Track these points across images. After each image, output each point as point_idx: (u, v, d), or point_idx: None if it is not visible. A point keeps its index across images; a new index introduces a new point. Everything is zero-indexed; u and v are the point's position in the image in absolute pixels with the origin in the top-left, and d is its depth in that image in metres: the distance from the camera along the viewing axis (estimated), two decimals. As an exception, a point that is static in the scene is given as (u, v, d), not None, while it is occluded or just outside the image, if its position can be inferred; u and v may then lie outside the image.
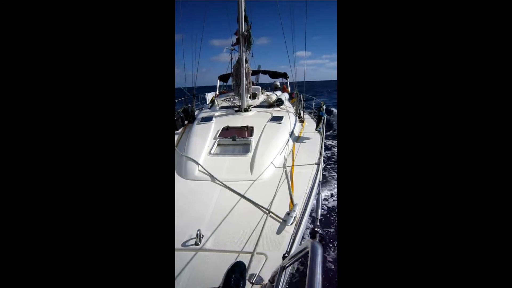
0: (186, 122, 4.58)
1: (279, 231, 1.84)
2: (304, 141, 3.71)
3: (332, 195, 4.86)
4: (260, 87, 6.57)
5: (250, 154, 2.95)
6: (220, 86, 7.99)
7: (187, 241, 1.75)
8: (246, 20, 4.23)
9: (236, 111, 4.41)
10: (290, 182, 2.47)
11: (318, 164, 2.82)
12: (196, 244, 1.70)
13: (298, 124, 4.51)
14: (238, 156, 2.97)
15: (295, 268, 2.52)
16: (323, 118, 4.05)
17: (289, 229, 1.85)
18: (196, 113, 4.90)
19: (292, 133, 3.74)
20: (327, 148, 7.70)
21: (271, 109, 4.73)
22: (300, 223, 1.89)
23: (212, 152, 3.08)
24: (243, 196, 2.26)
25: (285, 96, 5.84)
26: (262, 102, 5.37)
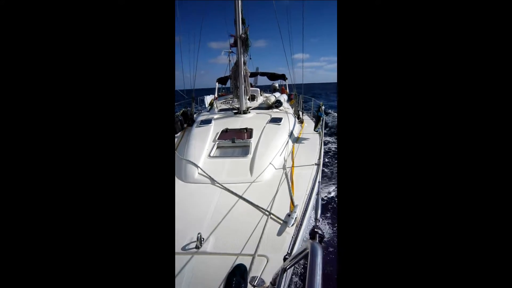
0: (185, 125, 4.58)
1: (280, 233, 1.83)
2: (303, 141, 3.71)
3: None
4: (258, 89, 6.58)
5: (250, 156, 2.95)
6: (218, 89, 8.01)
7: (188, 244, 1.74)
8: (243, 23, 4.24)
9: (235, 113, 4.41)
10: (290, 183, 2.47)
11: (318, 164, 2.81)
12: (196, 247, 1.70)
13: (297, 125, 4.51)
14: (237, 158, 2.97)
15: (299, 271, 2.51)
16: (322, 118, 4.05)
17: (290, 230, 1.84)
18: (195, 116, 4.91)
19: (291, 134, 3.74)
20: (328, 147, 7.78)
21: (270, 110, 4.73)
22: (301, 224, 1.89)
23: (211, 154, 3.08)
24: (243, 198, 2.26)
25: (284, 98, 5.85)
26: (261, 103, 5.38)
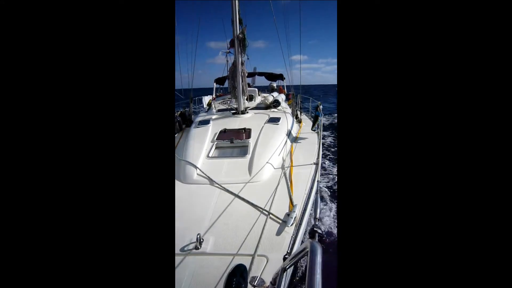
0: (183, 126, 4.58)
1: (279, 232, 1.83)
2: (302, 141, 3.71)
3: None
4: (256, 89, 6.58)
5: (248, 156, 2.95)
6: (216, 89, 8.00)
7: (187, 245, 1.74)
8: (240, 23, 4.24)
9: (233, 113, 4.41)
10: (289, 183, 2.47)
11: (316, 164, 2.82)
12: (196, 248, 1.69)
13: (296, 125, 4.51)
14: (236, 159, 2.97)
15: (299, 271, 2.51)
16: (319, 118, 4.06)
17: (289, 230, 1.85)
18: (193, 116, 4.90)
19: (289, 133, 3.74)
20: (329, 146, 7.93)
21: (268, 110, 4.74)
22: (300, 224, 1.89)
23: (210, 155, 3.07)
24: (242, 199, 2.26)
25: (282, 97, 5.85)
26: (259, 104, 5.38)
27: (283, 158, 3.06)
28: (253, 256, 1.62)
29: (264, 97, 5.71)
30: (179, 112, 4.85)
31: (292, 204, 2.11)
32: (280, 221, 1.94)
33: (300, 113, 5.53)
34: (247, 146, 3.16)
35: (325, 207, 4.13)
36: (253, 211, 2.09)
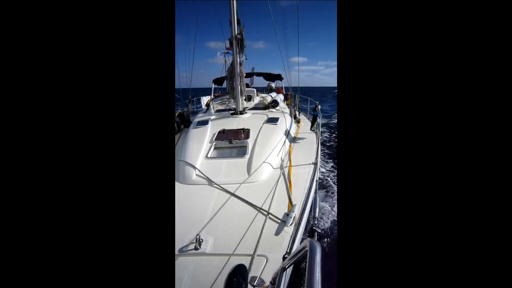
0: (182, 126, 4.57)
1: (278, 232, 1.84)
2: (300, 141, 3.72)
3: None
4: (254, 90, 6.58)
5: (247, 156, 2.95)
6: (215, 89, 7.99)
7: (187, 246, 1.74)
8: (238, 23, 4.24)
9: (232, 114, 4.41)
10: (288, 183, 2.47)
11: (315, 163, 2.82)
12: (195, 249, 1.69)
13: (294, 125, 4.52)
14: (235, 159, 2.97)
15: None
16: (318, 118, 4.07)
17: (289, 229, 1.85)
18: (191, 117, 4.90)
19: (288, 133, 3.74)
20: (324, 141, 8.09)
21: (267, 110, 4.74)
22: (299, 223, 1.89)
23: (209, 155, 3.07)
24: (241, 199, 2.26)
25: (280, 98, 5.86)
26: (258, 104, 5.38)
27: (281, 158, 3.06)
28: (252, 256, 1.62)
29: (263, 97, 5.72)
30: (177, 113, 4.85)
31: (291, 204, 2.11)
32: (279, 221, 1.94)
33: (299, 113, 5.54)
34: (246, 146, 3.16)
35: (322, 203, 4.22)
36: (252, 211, 2.09)
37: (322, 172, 5.74)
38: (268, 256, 1.62)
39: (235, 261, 1.54)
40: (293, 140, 3.78)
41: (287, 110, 5.07)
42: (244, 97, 4.59)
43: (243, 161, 2.89)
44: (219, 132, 3.52)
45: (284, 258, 1.41)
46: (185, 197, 2.41)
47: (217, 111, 4.93)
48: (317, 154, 3.08)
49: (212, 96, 7.05)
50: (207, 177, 2.66)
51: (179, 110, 5.24)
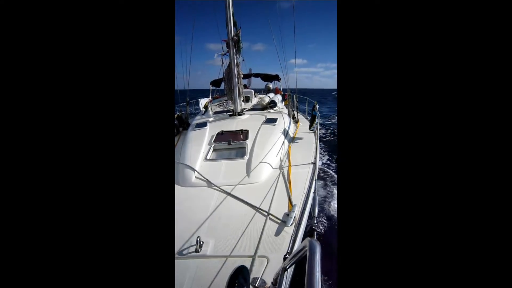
0: (180, 129, 4.57)
1: (279, 233, 1.83)
2: (299, 141, 3.72)
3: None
4: (252, 90, 6.59)
5: (246, 157, 2.95)
6: (213, 91, 7.99)
7: (187, 248, 1.73)
8: (235, 24, 4.25)
9: (230, 115, 4.41)
10: (287, 183, 2.47)
11: (314, 163, 2.82)
12: (196, 251, 1.69)
13: (293, 125, 4.53)
14: (234, 160, 2.97)
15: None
16: (316, 117, 4.08)
17: (289, 229, 1.85)
18: (189, 119, 4.90)
19: (287, 134, 3.75)
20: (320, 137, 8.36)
21: (265, 111, 4.74)
22: (299, 223, 1.89)
23: (208, 157, 3.07)
24: (241, 200, 2.25)
25: (278, 98, 5.87)
26: (256, 105, 5.39)
27: (281, 158, 3.06)
28: (253, 257, 1.61)
29: (261, 98, 5.72)
30: (176, 115, 4.84)
31: (291, 204, 2.11)
32: (280, 221, 1.94)
33: (297, 113, 5.55)
34: (245, 147, 3.16)
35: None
36: (252, 212, 2.09)
37: (318, 165, 5.96)
38: (269, 256, 1.62)
39: (236, 263, 1.54)
40: (292, 140, 3.78)
41: (285, 111, 5.08)
42: (242, 98, 4.59)
43: (242, 162, 2.89)
44: (218, 134, 3.52)
45: (285, 258, 1.41)
46: (185, 199, 2.41)
47: (215, 112, 4.93)
48: (316, 154, 3.08)
49: (210, 98, 7.05)
50: (207, 179, 2.66)
51: (177, 113, 5.24)
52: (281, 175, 2.65)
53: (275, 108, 4.94)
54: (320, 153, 6.52)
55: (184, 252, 1.71)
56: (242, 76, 4.47)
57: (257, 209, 2.11)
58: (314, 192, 2.10)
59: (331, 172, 6.14)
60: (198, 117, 4.92)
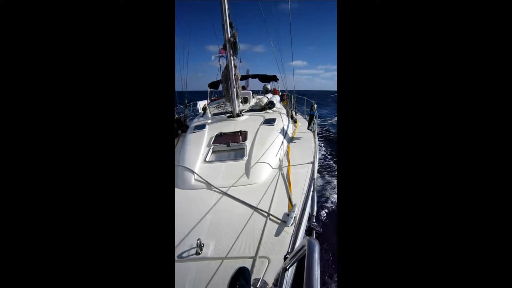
0: (179, 132, 4.57)
1: (280, 233, 1.83)
2: (298, 141, 3.73)
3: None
4: (250, 92, 6.60)
5: (245, 159, 2.95)
6: (211, 93, 8.00)
7: (188, 251, 1.73)
8: (231, 26, 4.25)
9: (229, 117, 4.41)
10: (287, 183, 2.47)
11: (313, 162, 2.83)
12: (197, 253, 1.68)
13: (291, 125, 4.53)
14: (233, 162, 2.97)
15: None
16: (314, 117, 4.08)
17: (289, 229, 1.84)
18: (188, 122, 4.90)
19: (285, 134, 3.75)
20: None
21: (263, 112, 4.75)
22: (300, 223, 1.89)
23: (207, 159, 3.07)
24: (241, 201, 2.25)
25: (276, 99, 5.87)
26: (254, 106, 5.39)
27: (280, 158, 3.06)
28: (254, 258, 1.61)
29: (259, 99, 5.72)
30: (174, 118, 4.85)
31: (291, 204, 2.11)
32: (280, 221, 1.94)
33: (295, 113, 5.56)
34: (244, 148, 3.16)
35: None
36: (252, 213, 2.09)
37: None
38: (270, 257, 1.62)
39: (237, 264, 1.54)
40: (291, 140, 3.79)
41: (284, 111, 5.08)
42: (240, 100, 4.60)
43: (241, 163, 2.89)
44: (217, 136, 3.52)
45: (285, 258, 1.40)
46: (185, 202, 2.40)
47: (214, 114, 4.94)
48: (315, 153, 3.08)
49: (208, 100, 7.06)
50: (206, 181, 2.66)
51: (176, 116, 5.24)
52: (280, 175, 2.65)
53: (274, 109, 4.95)
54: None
55: (185, 254, 1.71)
56: (239, 77, 4.48)
57: (257, 210, 2.11)
58: (313, 191, 2.10)
59: (327, 162, 6.69)
60: (196, 119, 4.93)
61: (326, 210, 4.02)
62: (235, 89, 4.28)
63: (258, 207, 2.13)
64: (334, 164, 6.47)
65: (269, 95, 6.58)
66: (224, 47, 4.26)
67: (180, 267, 1.60)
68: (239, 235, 1.84)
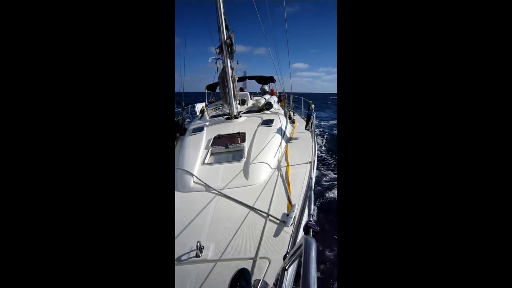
0: (177, 134, 4.56)
1: (279, 233, 1.83)
2: (296, 141, 3.73)
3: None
4: (248, 93, 6.60)
5: (244, 160, 2.95)
6: (209, 95, 8.01)
7: (188, 253, 1.72)
8: (227, 28, 4.26)
9: (227, 118, 4.41)
10: (286, 183, 2.47)
11: (311, 162, 2.83)
12: (197, 256, 1.68)
13: (289, 125, 4.53)
14: (232, 163, 2.97)
15: None
16: (312, 117, 4.09)
17: (289, 230, 1.84)
18: (186, 124, 4.90)
19: (284, 134, 3.75)
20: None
21: (261, 113, 4.75)
22: (299, 223, 1.89)
23: (206, 161, 3.07)
24: (240, 202, 2.25)
25: (274, 99, 5.88)
26: (252, 107, 5.40)
27: (278, 159, 3.06)
28: (254, 259, 1.61)
29: (256, 100, 5.73)
30: None
31: (290, 204, 2.11)
32: (279, 222, 1.94)
33: (293, 113, 5.56)
34: (242, 150, 3.16)
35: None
36: (251, 214, 2.09)
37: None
38: (270, 258, 1.62)
39: (237, 266, 1.54)
40: (289, 140, 3.79)
41: (282, 111, 5.09)
42: (237, 101, 4.60)
43: (240, 164, 2.89)
44: (215, 138, 3.52)
45: (284, 258, 1.40)
46: (184, 204, 2.40)
47: (212, 117, 4.94)
48: (313, 153, 3.09)
49: (206, 103, 7.06)
50: (205, 183, 2.65)
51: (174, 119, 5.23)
52: (279, 175, 2.65)
53: (271, 110, 4.95)
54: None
55: (185, 257, 1.71)
56: (236, 79, 4.49)
57: (256, 210, 2.11)
58: (310, 190, 2.11)
59: (323, 156, 7.10)
60: (194, 122, 4.93)
61: (326, 210, 4.02)
62: (232, 91, 4.28)
63: (258, 208, 2.13)
64: (332, 161, 6.66)
65: (267, 96, 6.58)
66: (221, 49, 4.26)
67: (180, 270, 1.60)
68: (239, 237, 1.84)
